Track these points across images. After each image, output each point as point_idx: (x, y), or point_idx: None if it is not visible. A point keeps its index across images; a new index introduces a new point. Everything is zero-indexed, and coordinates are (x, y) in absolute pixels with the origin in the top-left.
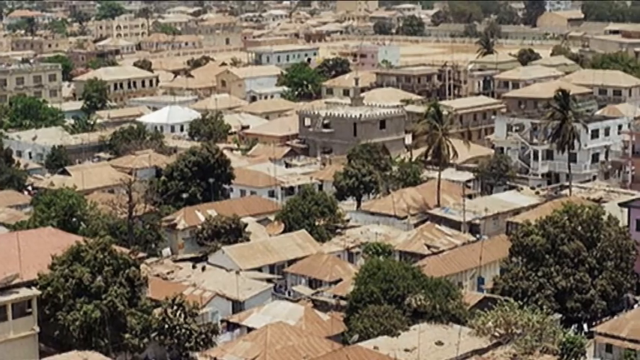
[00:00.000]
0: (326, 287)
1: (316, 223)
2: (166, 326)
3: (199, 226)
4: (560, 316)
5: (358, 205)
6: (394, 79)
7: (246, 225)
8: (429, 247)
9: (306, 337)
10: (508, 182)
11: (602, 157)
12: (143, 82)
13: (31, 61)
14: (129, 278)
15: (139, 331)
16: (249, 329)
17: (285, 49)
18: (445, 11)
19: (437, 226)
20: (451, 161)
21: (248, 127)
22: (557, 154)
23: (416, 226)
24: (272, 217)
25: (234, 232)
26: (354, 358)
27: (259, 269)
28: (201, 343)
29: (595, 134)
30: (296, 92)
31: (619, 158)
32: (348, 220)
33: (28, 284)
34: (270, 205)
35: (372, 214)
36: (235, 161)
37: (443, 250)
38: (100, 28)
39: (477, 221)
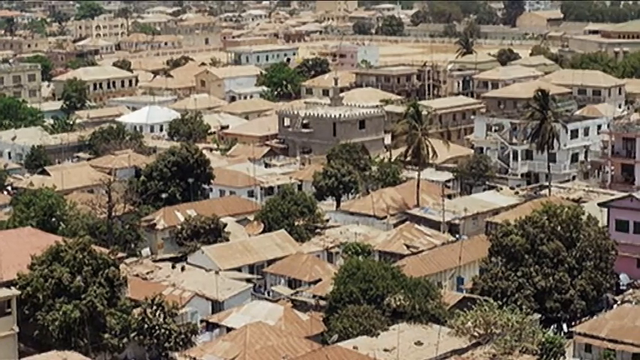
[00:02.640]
0: (305, 287)
1: (296, 223)
2: (146, 326)
3: (179, 226)
4: (540, 316)
5: (337, 205)
6: (373, 79)
7: (225, 225)
8: (408, 247)
9: (286, 337)
10: (487, 182)
11: (581, 157)
12: (122, 82)
13: (11, 61)
14: (108, 278)
15: (119, 331)
16: (229, 329)
17: (265, 49)
18: (424, 11)
19: (416, 226)
20: (430, 161)
21: (227, 127)
22: (537, 154)
23: (395, 226)
24: (251, 217)
25: (213, 232)
26: (334, 358)
27: (239, 269)
28: (181, 343)
29: (574, 134)
30: (275, 92)
31: (598, 158)
32: (327, 220)
33: (8, 284)
34: (250, 205)
35: (352, 214)
36: (215, 161)
37: (422, 250)
38: (80, 28)
39: (457, 221)
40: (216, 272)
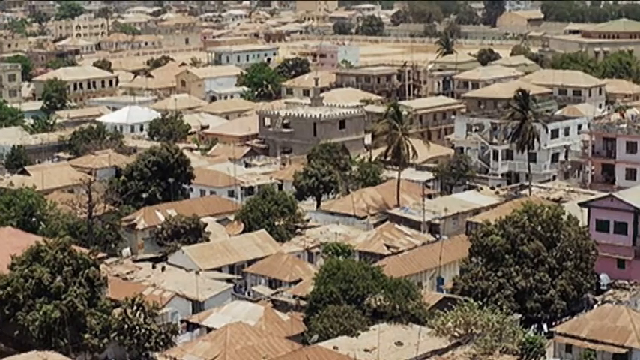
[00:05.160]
0: (286, 287)
1: (276, 223)
2: (126, 326)
3: (159, 226)
4: (520, 316)
5: (318, 205)
6: (354, 79)
7: (205, 225)
8: (388, 247)
9: (266, 337)
10: (468, 182)
11: (561, 157)
12: (103, 82)
13: None
14: (88, 278)
15: (99, 331)
16: (209, 329)
17: (245, 49)
18: (405, 11)
19: (396, 226)
20: (411, 161)
21: (208, 127)
22: (517, 154)
23: (375, 226)
24: (232, 217)
25: (193, 232)
26: (314, 358)
27: (219, 269)
28: (161, 343)
29: (555, 134)
30: (256, 92)
31: (579, 158)
32: (307, 220)
33: None
34: (230, 205)
35: (332, 214)
36: (195, 161)
37: (402, 250)
38: (60, 28)
39: (437, 221)
40: (197, 272)
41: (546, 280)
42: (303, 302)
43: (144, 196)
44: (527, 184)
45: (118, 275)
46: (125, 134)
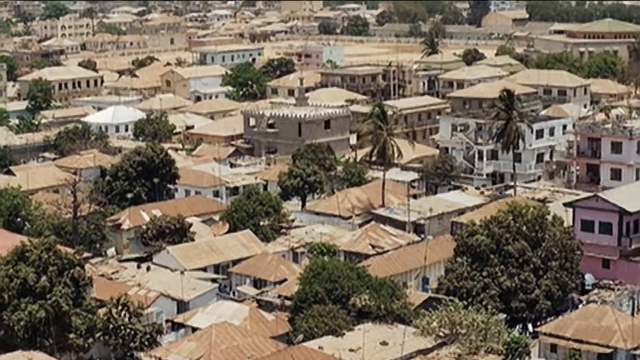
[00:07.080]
0: (271, 287)
1: (261, 223)
2: (111, 326)
3: (144, 226)
4: (505, 316)
5: (303, 205)
6: (339, 79)
7: (190, 225)
8: (373, 247)
9: (251, 337)
10: (453, 182)
11: (546, 157)
12: (88, 82)
13: None
14: (73, 278)
15: (84, 331)
16: (194, 329)
17: (230, 49)
18: (390, 11)
19: (381, 226)
20: (396, 161)
21: (193, 127)
22: (502, 154)
23: (361, 226)
24: (217, 217)
25: (178, 232)
26: (299, 358)
27: (204, 269)
28: (146, 343)
29: (540, 134)
30: (241, 92)
31: (564, 158)
32: (292, 220)
33: None
34: (215, 205)
35: (317, 214)
36: (180, 161)
37: (387, 250)
38: (45, 28)
39: (422, 221)
40: (182, 272)
41: (531, 280)
42: (288, 302)
43: (129, 196)
44: (512, 184)
45: (103, 275)
46: (110, 134)
